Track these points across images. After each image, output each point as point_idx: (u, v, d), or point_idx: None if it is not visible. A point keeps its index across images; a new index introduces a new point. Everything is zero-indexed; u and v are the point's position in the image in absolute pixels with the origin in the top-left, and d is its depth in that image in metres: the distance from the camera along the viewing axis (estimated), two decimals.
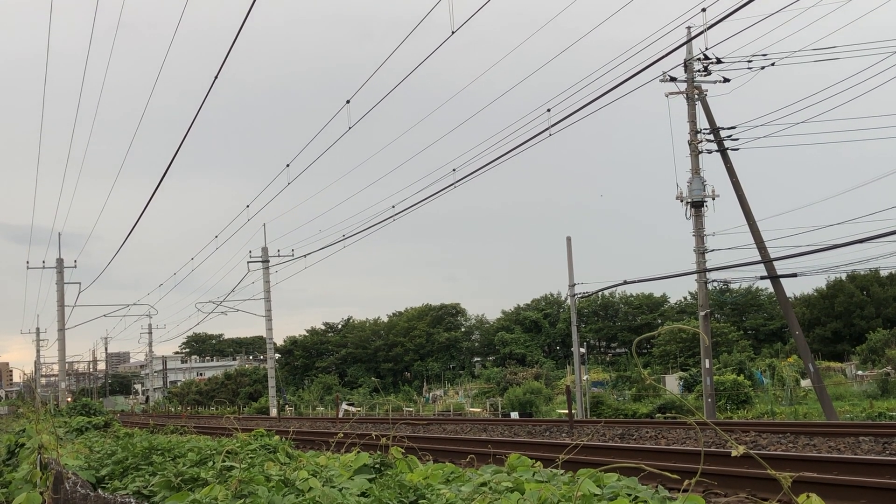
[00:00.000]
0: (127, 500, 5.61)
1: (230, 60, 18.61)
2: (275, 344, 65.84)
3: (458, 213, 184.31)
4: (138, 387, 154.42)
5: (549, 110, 24.69)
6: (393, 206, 34.85)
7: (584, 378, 45.84)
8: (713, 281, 35.59)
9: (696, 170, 33.86)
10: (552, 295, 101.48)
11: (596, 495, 5.04)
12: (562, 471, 6.23)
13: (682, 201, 33.93)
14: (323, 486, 5.89)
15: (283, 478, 6.12)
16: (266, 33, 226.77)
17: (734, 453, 3.63)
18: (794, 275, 32.97)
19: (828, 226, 44.15)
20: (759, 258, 32.25)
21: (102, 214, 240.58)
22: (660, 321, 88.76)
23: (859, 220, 47.93)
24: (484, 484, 5.76)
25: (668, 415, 38.25)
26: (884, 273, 74.55)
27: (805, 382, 47.11)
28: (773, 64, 31.97)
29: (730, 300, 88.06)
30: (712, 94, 33.94)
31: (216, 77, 18.69)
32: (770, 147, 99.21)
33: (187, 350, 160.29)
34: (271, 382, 59.51)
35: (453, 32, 19.31)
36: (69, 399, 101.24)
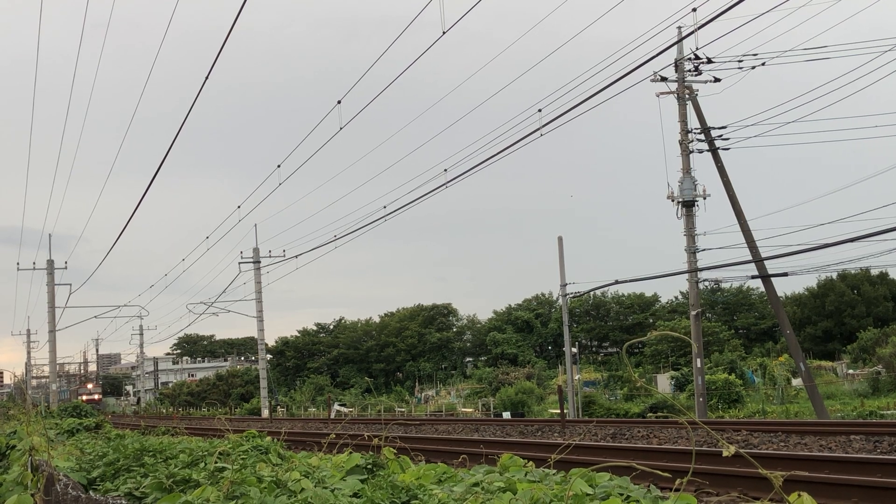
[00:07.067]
0: (118, 501, 5.60)
1: (221, 61, 18.59)
2: (266, 345, 65.72)
3: (450, 214, 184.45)
4: (130, 388, 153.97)
5: (540, 110, 24.71)
6: (384, 207, 34.79)
7: (576, 378, 45.88)
8: (704, 280, 35.67)
9: (686, 169, 33.94)
10: (544, 295, 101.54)
11: (588, 495, 5.05)
12: (554, 470, 6.24)
13: (673, 201, 34.00)
14: (315, 486, 5.88)
15: (275, 479, 6.11)
16: (256, 34, 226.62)
17: (725, 453, 3.64)
18: (785, 274, 33.08)
19: (818, 225, 44.38)
20: (750, 257, 32.33)
21: (93, 216, 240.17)
22: (651, 321, 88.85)
23: (850, 219, 48.07)
24: (476, 484, 5.76)
25: (660, 414, 38.30)
26: (874, 272, 74.84)
27: (796, 381, 47.23)
28: (763, 63, 32.08)
29: (721, 299, 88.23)
30: (703, 93, 34.08)
31: (206, 78, 18.66)
32: (761, 146, 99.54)
33: (179, 351, 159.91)
34: (263, 383, 59.42)
35: (444, 32, 19.31)
36: (97, 396, 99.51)
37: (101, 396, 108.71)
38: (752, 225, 32.80)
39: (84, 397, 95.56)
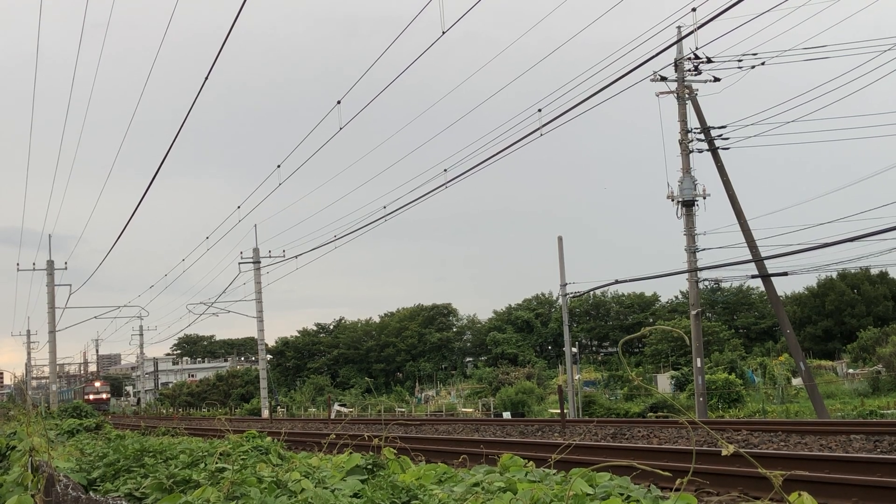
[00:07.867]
0: (119, 502, 5.60)
1: (220, 62, 18.59)
2: (266, 345, 65.71)
3: (450, 214, 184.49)
4: (130, 388, 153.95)
5: (539, 110, 24.70)
6: (384, 207, 34.76)
7: (576, 377, 45.88)
8: (704, 280, 35.66)
9: (686, 169, 33.92)
10: (544, 295, 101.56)
11: (588, 495, 5.04)
12: (554, 470, 6.23)
13: (673, 200, 33.98)
14: (315, 487, 5.88)
15: (275, 479, 6.11)
16: (256, 34, 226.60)
17: (724, 452, 3.64)
18: (785, 273, 33.07)
19: (818, 224, 44.26)
20: (750, 257, 32.32)
21: (93, 216, 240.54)
22: (651, 320, 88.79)
23: (850, 218, 47.90)
24: (476, 484, 5.76)
25: (660, 414, 38.28)
26: (874, 271, 74.80)
27: (796, 381, 47.23)
28: (763, 63, 32.07)
29: (721, 299, 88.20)
30: (703, 93, 34.07)
31: (206, 78, 18.66)
32: (761, 146, 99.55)
33: (179, 352, 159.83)
34: (263, 384, 59.42)
35: (444, 32, 19.30)
36: (105, 395, 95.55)
37: (108, 395, 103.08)
38: (751, 224, 32.81)
39: (91, 396, 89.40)
